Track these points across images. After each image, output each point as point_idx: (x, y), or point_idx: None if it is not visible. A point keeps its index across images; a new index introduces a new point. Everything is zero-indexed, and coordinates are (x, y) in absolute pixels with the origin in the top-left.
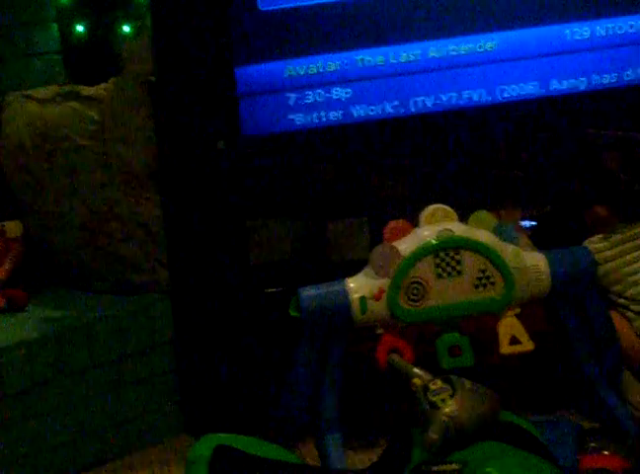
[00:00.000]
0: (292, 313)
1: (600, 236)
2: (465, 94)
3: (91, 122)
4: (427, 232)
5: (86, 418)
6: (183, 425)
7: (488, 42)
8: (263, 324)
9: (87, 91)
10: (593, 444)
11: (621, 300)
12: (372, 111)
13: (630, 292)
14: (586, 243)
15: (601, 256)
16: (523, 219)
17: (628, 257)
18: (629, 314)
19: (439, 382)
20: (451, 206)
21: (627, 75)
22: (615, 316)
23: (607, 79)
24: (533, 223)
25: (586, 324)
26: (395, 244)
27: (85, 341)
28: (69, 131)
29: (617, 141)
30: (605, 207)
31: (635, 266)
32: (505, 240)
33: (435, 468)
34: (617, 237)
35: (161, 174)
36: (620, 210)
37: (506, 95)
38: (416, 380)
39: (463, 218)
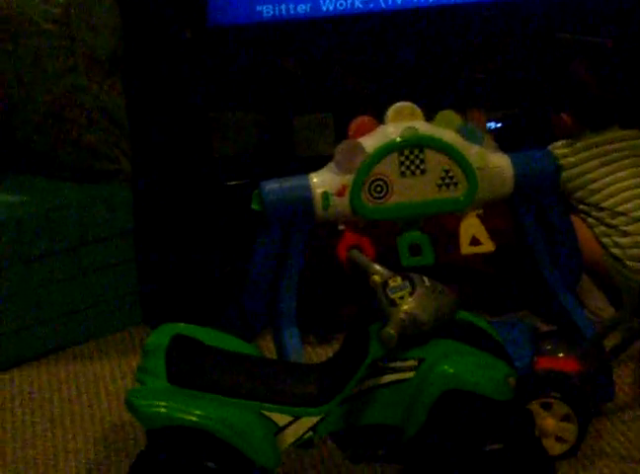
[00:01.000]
0: (254, 206)
1: (565, 142)
2: None
3: (55, 5)
4: (392, 129)
5: (44, 304)
6: (141, 314)
7: None
8: (224, 217)
9: None
10: (548, 347)
11: (583, 207)
12: (341, 5)
13: (592, 199)
14: (550, 148)
15: (565, 161)
16: (489, 121)
17: (591, 163)
18: (590, 220)
19: (398, 279)
20: (418, 105)
21: None
22: (577, 222)
23: None
24: (499, 125)
25: (547, 228)
26: (360, 140)
27: (45, 227)
28: (33, 14)
29: (588, 47)
30: (572, 114)
31: (597, 172)
32: (469, 140)
33: (391, 364)
34: (582, 144)
35: (126, 61)
36: (586, 118)
37: None
38: (375, 277)
39: (429, 118)
